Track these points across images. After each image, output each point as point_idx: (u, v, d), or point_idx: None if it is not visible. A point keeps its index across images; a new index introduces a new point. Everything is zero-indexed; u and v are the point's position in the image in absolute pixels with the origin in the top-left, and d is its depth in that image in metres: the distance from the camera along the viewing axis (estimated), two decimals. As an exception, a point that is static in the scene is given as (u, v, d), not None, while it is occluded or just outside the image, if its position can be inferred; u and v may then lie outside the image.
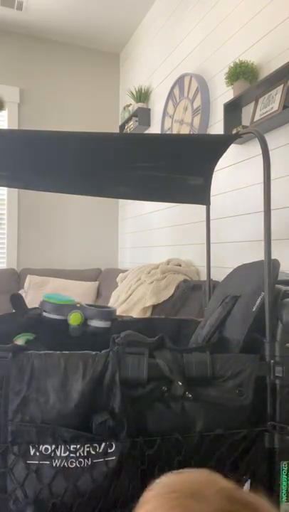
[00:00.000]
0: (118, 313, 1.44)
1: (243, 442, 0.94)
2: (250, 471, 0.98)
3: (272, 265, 1.08)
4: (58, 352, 0.90)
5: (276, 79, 1.92)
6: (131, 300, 2.61)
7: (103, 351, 0.91)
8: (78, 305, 1.25)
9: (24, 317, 1.31)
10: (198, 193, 1.43)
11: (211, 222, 2.41)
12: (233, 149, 2.27)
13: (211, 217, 2.37)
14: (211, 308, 1.32)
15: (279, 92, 1.90)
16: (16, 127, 3.80)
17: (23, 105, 3.87)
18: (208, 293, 1.50)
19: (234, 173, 2.32)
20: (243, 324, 1.03)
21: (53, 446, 0.83)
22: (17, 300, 1.35)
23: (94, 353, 0.91)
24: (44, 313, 1.27)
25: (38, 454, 0.83)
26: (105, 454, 0.85)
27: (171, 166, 1.26)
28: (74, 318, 1.22)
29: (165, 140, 1.25)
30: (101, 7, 3.48)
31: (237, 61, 2.15)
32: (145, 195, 1.44)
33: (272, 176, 1.97)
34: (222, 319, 1.15)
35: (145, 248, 3.42)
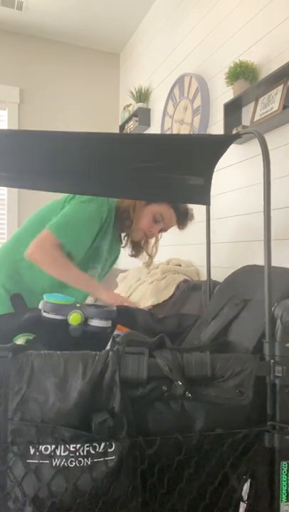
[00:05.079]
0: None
1: (242, 442, 0.94)
2: (250, 471, 0.98)
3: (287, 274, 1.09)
4: (58, 352, 0.90)
5: (276, 79, 1.92)
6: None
7: (103, 351, 0.91)
8: (78, 305, 1.24)
9: (24, 317, 1.31)
10: (199, 193, 1.43)
11: (212, 222, 2.41)
12: (233, 149, 2.27)
13: (212, 217, 2.36)
14: (214, 305, 1.31)
15: (279, 92, 1.91)
16: (16, 127, 3.80)
17: (23, 105, 3.87)
18: (208, 293, 1.50)
19: (235, 173, 2.32)
20: (253, 332, 1.02)
21: (53, 446, 0.83)
22: (17, 300, 1.35)
23: (94, 352, 0.91)
24: (44, 313, 1.26)
25: (37, 453, 0.83)
26: (105, 453, 0.85)
27: (171, 166, 1.26)
28: (74, 318, 1.21)
29: (165, 140, 1.25)
30: (101, 7, 3.48)
31: (237, 61, 2.16)
32: (145, 195, 1.44)
33: (273, 175, 1.97)
34: (229, 321, 1.15)
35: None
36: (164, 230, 1.76)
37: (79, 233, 1.54)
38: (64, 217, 1.55)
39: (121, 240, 1.81)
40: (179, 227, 1.77)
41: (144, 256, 1.85)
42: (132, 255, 1.86)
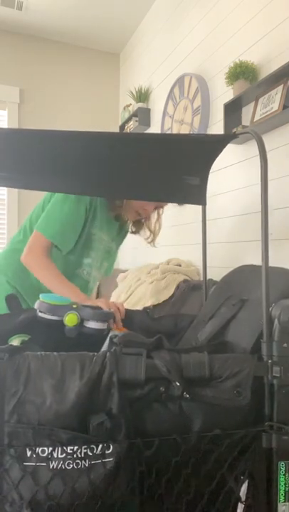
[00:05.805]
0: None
1: (240, 442, 0.94)
2: (247, 472, 0.98)
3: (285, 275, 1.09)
4: (55, 353, 0.89)
5: (276, 79, 1.92)
6: (131, 300, 2.61)
7: (101, 352, 0.91)
8: (75, 306, 1.24)
9: (19, 318, 1.30)
10: (195, 193, 1.42)
11: (212, 221, 2.41)
12: (232, 149, 2.27)
13: (211, 217, 2.36)
14: (211, 305, 1.31)
15: (279, 92, 1.90)
16: (16, 127, 3.80)
17: (23, 105, 3.87)
18: (204, 293, 1.50)
19: (234, 173, 2.32)
20: (251, 333, 1.02)
21: (50, 448, 0.83)
22: (12, 301, 1.35)
23: (91, 353, 0.90)
24: (39, 313, 1.26)
25: (34, 455, 0.82)
26: (103, 455, 0.85)
27: (166, 166, 1.26)
28: (70, 319, 1.20)
29: (160, 140, 1.25)
30: (101, 7, 3.48)
31: (237, 61, 2.15)
32: (142, 195, 1.44)
33: (274, 175, 1.97)
34: (227, 322, 1.15)
35: (145, 248, 3.41)
36: (159, 206, 1.68)
37: (63, 225, 1.52)
38: (47, 212, 1.55)
39: (118, 219, 1.74)
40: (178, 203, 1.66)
41: (146, 232, 1.77)
42: (132, 232, 1.81)
